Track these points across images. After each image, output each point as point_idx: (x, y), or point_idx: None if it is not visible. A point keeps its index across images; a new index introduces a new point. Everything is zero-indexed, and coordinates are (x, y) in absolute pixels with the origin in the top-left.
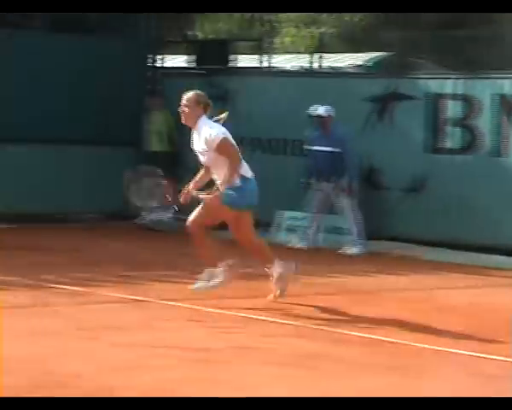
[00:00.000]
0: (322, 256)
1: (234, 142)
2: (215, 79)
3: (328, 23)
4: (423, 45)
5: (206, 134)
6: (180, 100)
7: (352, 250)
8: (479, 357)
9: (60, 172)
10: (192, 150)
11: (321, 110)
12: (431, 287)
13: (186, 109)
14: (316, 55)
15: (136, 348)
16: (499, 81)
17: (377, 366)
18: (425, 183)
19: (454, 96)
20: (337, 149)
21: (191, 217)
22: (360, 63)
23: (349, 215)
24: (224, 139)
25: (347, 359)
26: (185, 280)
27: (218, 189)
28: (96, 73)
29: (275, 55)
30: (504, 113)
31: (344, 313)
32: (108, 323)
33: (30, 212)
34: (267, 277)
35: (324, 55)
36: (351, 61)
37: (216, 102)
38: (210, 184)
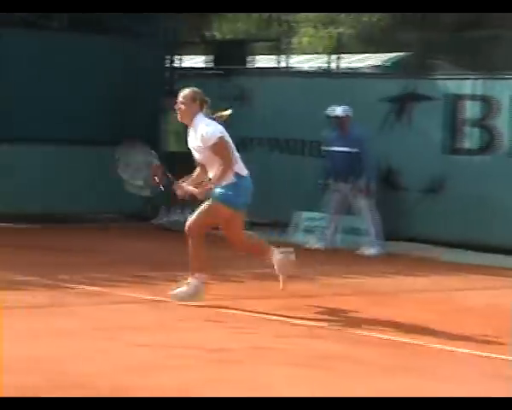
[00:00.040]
0: (340, 257)
1: (230, 140)
2: (233, 80)
3: (346, 23)
4: (441, 46)
5: (203, 131)
6: None
7: (370, 251)
8: (497, 358)
9: (80, 172)
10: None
11: (339, 111)
12: (449, 288)
13: (182, 106)
14: (334, 56)
15: (151, 348)
16: None
17: (396, 368)
18: (443, 183)
19: (472, 97)
20: (355, 150)
21: (191, 217)
22: (378, 64)
23: (367, 216)
24: (220, 139)
25: (367, 360)
26: None
27: (209, 180)
28: (113, 73)
29: (293, 56)
30: None
31: (361, 315)
32: (125, 323)
33: (57, 212)
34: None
35: (342, 55)
36: (369, 62)
37: (234, 103)
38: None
